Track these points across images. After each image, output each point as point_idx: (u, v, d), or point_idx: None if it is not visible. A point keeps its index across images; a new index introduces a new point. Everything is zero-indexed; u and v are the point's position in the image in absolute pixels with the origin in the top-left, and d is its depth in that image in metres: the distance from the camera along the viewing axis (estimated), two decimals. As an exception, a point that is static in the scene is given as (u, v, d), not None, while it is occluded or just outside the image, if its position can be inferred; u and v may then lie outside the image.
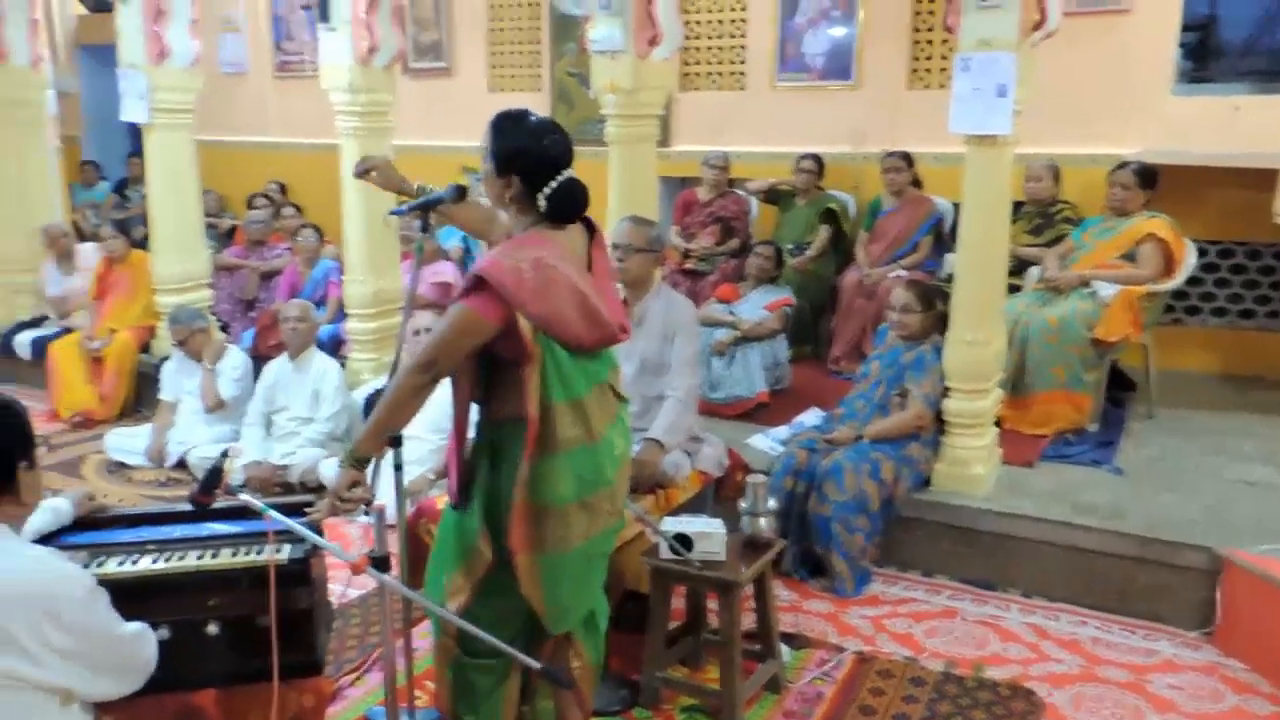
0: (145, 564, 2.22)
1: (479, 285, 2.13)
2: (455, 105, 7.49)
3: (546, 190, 2.20)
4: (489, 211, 2.54)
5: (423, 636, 3.38)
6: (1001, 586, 3.73)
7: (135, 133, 8.09)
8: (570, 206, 2.24)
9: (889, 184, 5.61)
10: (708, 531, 2.91)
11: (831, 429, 4.03)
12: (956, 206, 4.63)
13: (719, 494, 3.80)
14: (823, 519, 3.72)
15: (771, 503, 3.11)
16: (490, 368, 2.25)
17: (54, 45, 8.03)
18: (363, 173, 2.67)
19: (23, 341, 6.32)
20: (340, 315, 5.70)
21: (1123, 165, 4.74)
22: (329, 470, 4.61)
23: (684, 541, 2.88)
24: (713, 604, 3.25)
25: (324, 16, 4.92)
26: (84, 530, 2.37)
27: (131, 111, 5.60)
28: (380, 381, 5.22)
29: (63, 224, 6.61)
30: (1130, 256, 4.64)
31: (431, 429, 4.41)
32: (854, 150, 6.18)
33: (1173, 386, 4.98)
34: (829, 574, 3.75)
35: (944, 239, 5.61)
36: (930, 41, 5.97)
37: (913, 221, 5.58)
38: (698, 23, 6.58)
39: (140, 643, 1.92)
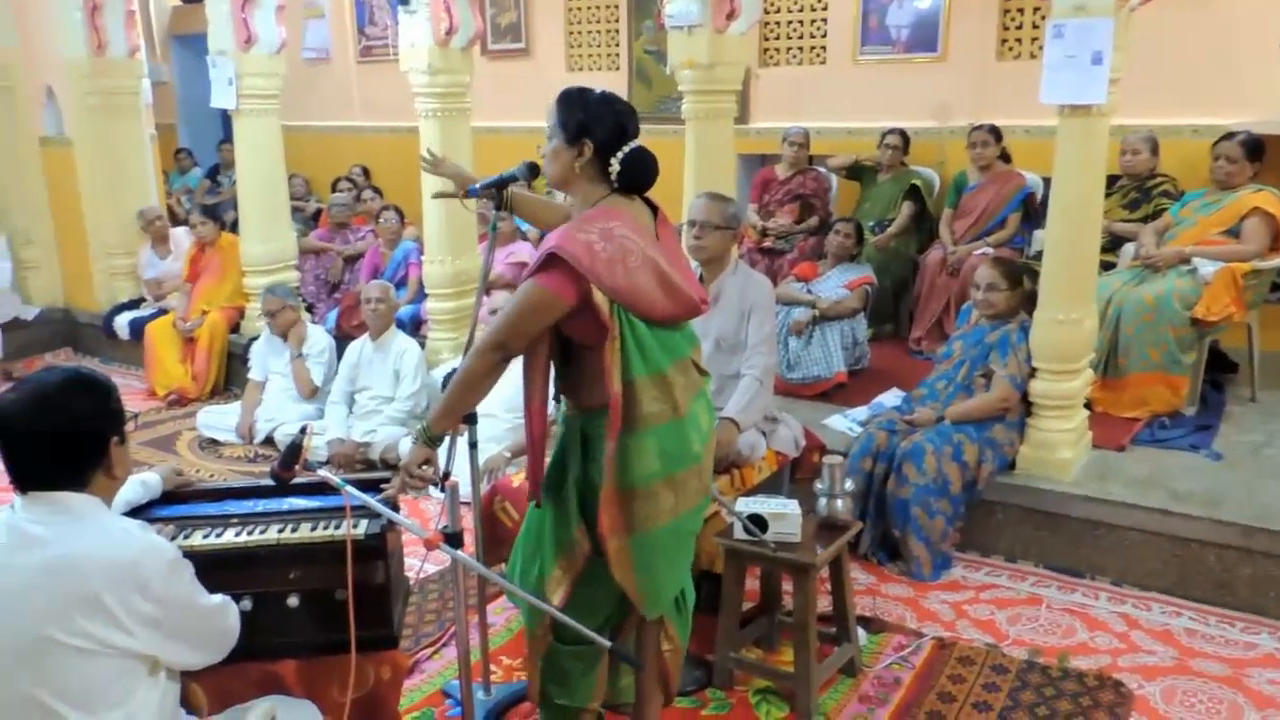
0: (229, 537, 2.28)
1: (551, 262, 2.11)
2: (532, 86, 7.48)
3: (619, 156, 2.19)
4: (549, 201, 2.55)
5: (497, 612, 3.43)
6: (1089, 574, 3.60)
7: (226, 120, 8.34)
8: (642, 173, 2.23)
9: (976, 159, 5.44)
10: (783, 513, 2.86)
11: (912, 410, 3.93)
12: (1046, 181, 4.45)
13: (795, 475, 3.74)
14: (902, 502, 3.64)
15: (849, 484, 3.05)
16: (569, 359, 2.24)
17: (149, 35, 8.28)
18: (432, 167, 2.72)
19: (122, 323, 6.58)
20: (420, 295, 5.78)
21: (1228, 136, 4.50)
22: (408, 448, 4.68)
23: (759, 522, 2.85)
24: (787, 586, 3.21)
25: (404, 0, 4.96)
26: (171, 503, 2.44)
27: (220, 98, 5.75)
28: (458, 360, 5.27)
29: (158, 208, 6.83)
30: (1234, 232, 4.41)
31: (507, 408, 4.44)
32: (939, 125, 6.01)
33: (1277, 368, 4.72)
34: (907, 558, 3.67)
35: (1033, 215, 5.43)
36: (1021, 10, 5.75)
37: (1000, 197, 5.41)
38: (778, -4, 6.46)
39: (222, 614, 1.96)
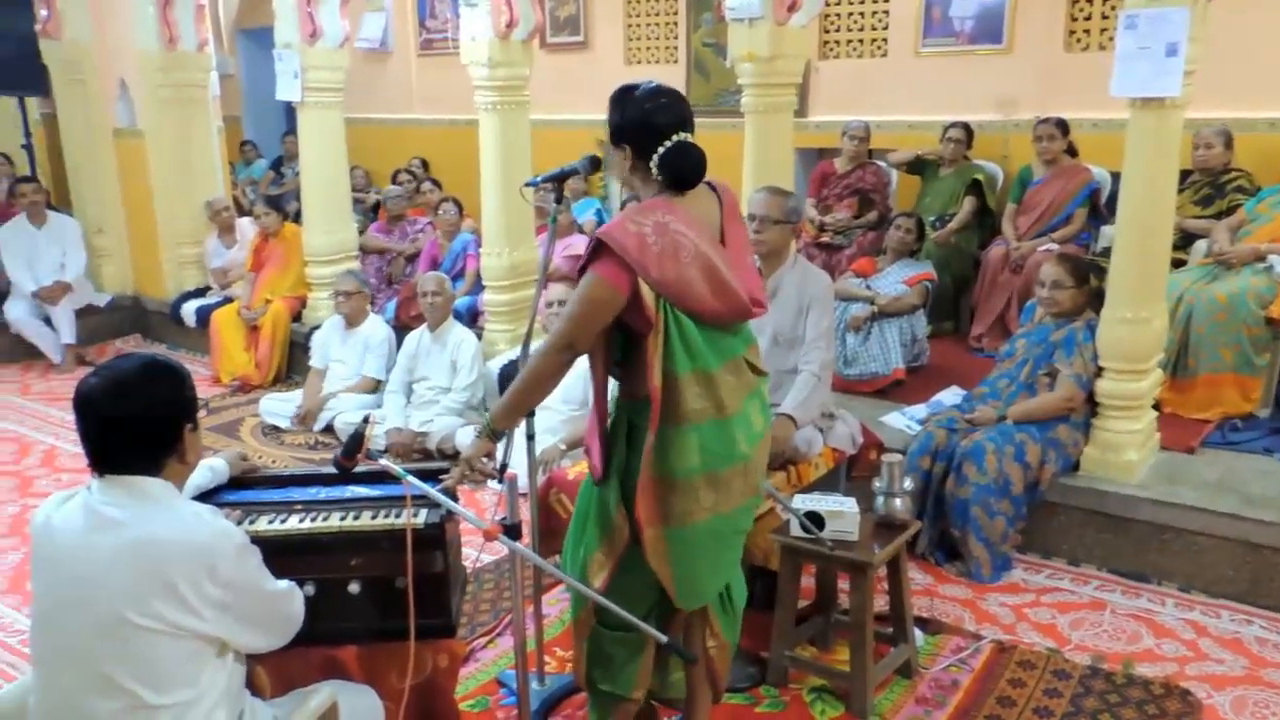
0: (293, 523, 2.32)
1: (602, 251, 2.12)
2: (591, 78, 7.51)
3: (657, 155, 2.16)
4: None
5: (552, 604, 3.45)
6: (1156, 579, 3.52)
7: (290, 112, 8.48)
8: (683, 169, 2.18)
9: (1041, 153, 5.32)
10: (840, 510, 2.84)
11: (973, 408, 3.87)
12: (1114, 176, 4.35)
13: (851, 472, 3.71)
14: (961, 501, 3.59)
15: (908, 483, 3.01)
16: (626, 345, 2.23)
17: (217, 29, 8.44)
18: None
19: (189, 310, 6.74)
20: (477, 287, 5.83)
21: (1307, 129, 4.35)
22: (465, 438, 4.74)
23: (815, 520, 2.82)
24: (843, 584, 3.18)
25: (465, -8, 5.00)
26: (237, 489, 2.49)
27: (285, 90, 5.85)
28: (515, 352, 5.31)
29: (225, 199, 6.98)
30: (1313, 228, 4.26)
31: (563, 400, 4.47)
32: (1003, 118, 5.89)
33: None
34: (966, 558, 3.62)
35: (1099, 211, 5.30)
36: (1091, 0, 5.61)
37: (1066, 192, 5.29)
38: (839, -12, 6.39)
39: (288, 600, 1.99)
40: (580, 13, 7.69)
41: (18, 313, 6.52)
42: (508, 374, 5.18)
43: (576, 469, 3.40)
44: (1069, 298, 3.77)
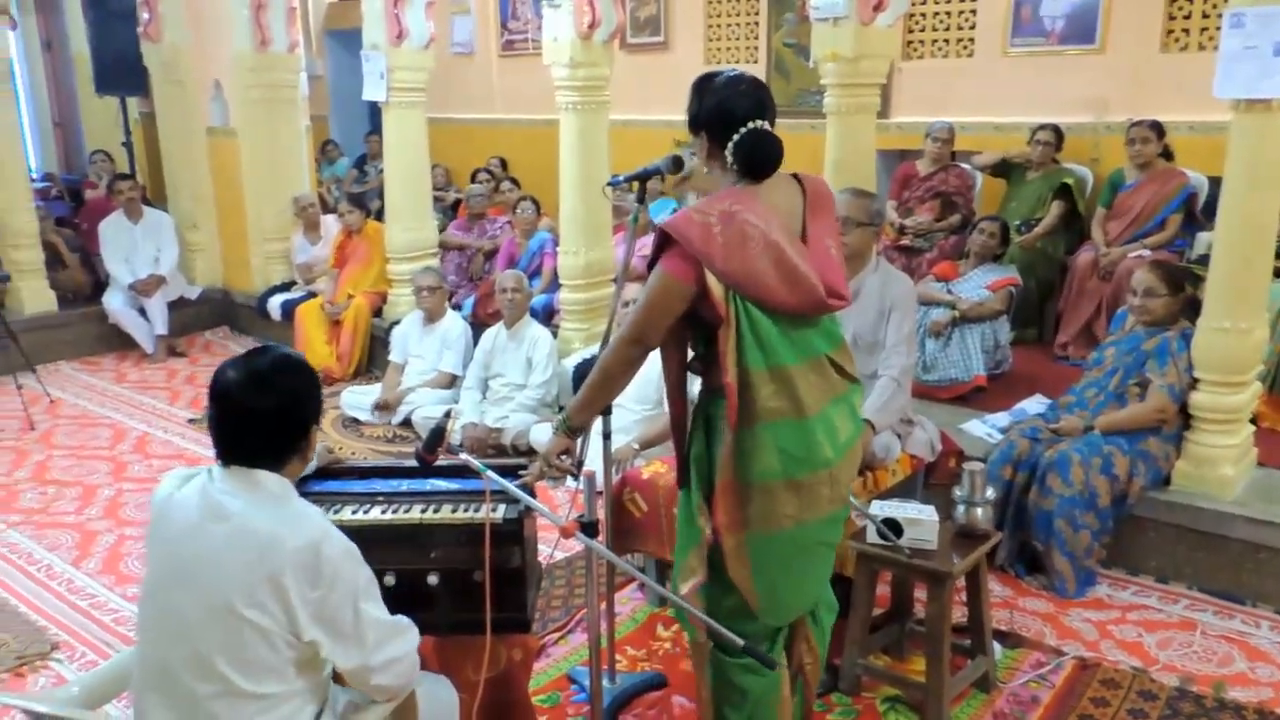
0: (375, 514, 2.36)
1: (667, 243, 2.10)
2: (670, 79, 7.49)
3: (731, 142, 2.13)
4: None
5: (624, 602, 3.46)
6: (1250, 600, 3.38)
7: (373, 112, 8.66)
8: (758, 157, 2.14)
9: (1135, 156, 5.15)
10: (919, 518, 2.79)
11: (1058, 418, 3.77)
12: (1212, 180, 4.19)
13: (929, 479, 3.64)
14: (1044, 513, 3.50)
15: (989, 492, 2.94)
16: (705, 338, 2.18)
17: (307, 31, 8.68)
18: None
19: (274, 304, 6.93)
20: (554, 285, 5.87)
21: None
22: (539, 434, 4.78)
23: (893, 527, 2.78)
24: (920, 593, 3.13)
25: (549, -6, 5.04)
26: (323, 479, 2.55)
27: (372, 91, 5.98)
28: (590, 351, 5.35)
29: (311, 196, 7.17)
30: None
31: (636, 400, 4.47)
32: (1095, 120, 5.72)
33: None
34: (1048, 572, 3.52)
35: (1195, 216, 5.11)
36: (1190, -2, 5.42)
37: (1160, 197, 5.11)
38: (924, -13, 6.28)
39: (390, 630, 1.89)
40: (661, 13, 7.70)
41: (115, 303, 6.79)
42: (582, 372, 5.20)
43: (650, 469, 3.40)
44: (1162, 306, 3.64)
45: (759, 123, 2.13)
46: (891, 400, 3.26)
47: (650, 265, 2.16)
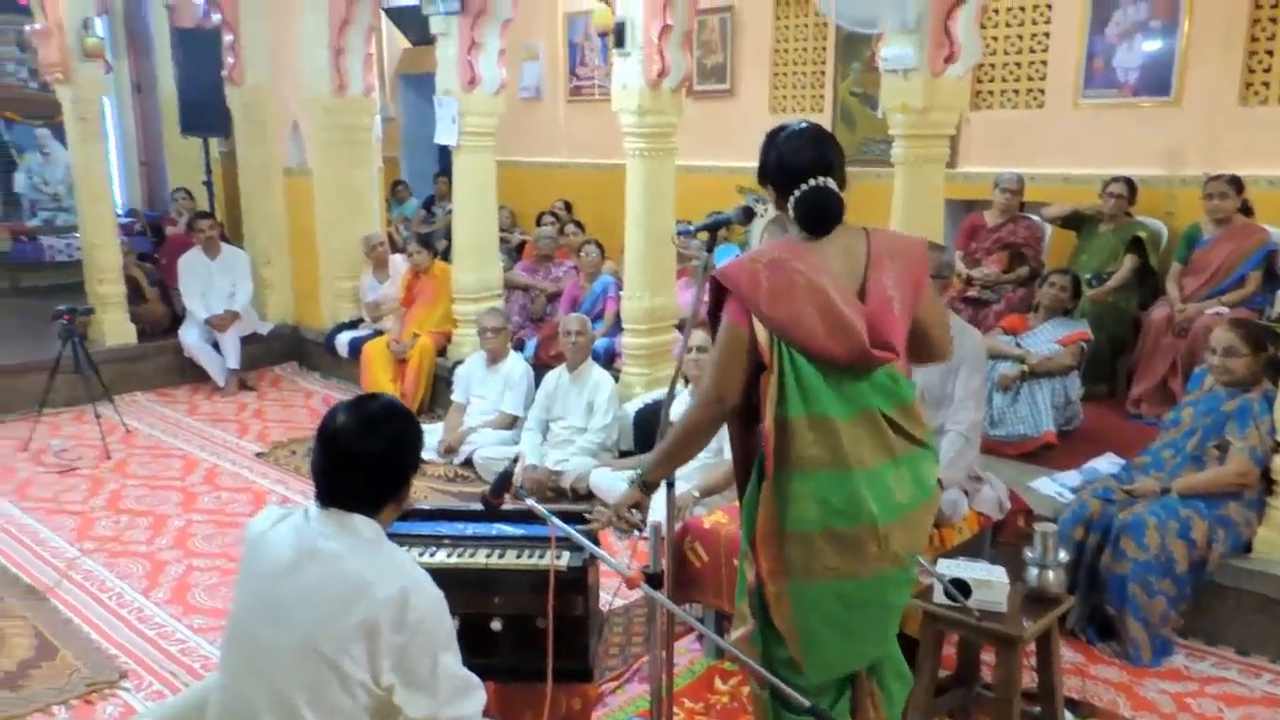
0: (440, 557, 2.39)
1: (721, 291, 2.13)
2: (736, 126, 7.58)
3: (793, 196, 2.15)
4: None
5: (681, 653, 3.42)
6: (1339, 678, 3.23)
7: (441, 154, 8.85)
8: (814, 214, 2.14)
9: (1212, 211, 5.04)
10: (988, 579, 2.72)
11: (1132, 479, 3.66)
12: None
13: (997, 538, 3.57)
14: (1118, 578, 3.39)
15: (1062, 554, 2.86)
16: (758, 384, 2.17)
17: (381, 75, 8.93)
18: None
19: (342, 341, 7.07)
20: (616, 329, 5.91)
21: None
22: (599, 478, 4.79)
23: (962, 587, 2.71)
24: (988, 657, 3.04)
25: (619, 42, 5.13)
26: (390, 519, 2.58)
27: (444, 135, 6.12)
28: (651, 395, 5.36)
29: (381, 235, 7.32)
30: None
31: (698, 446, 4.45)
32: (1170, 173, 5.62)
33: None
34: (1122, 639, 3.41)
35: (1275, 273, 4.98)
36: (1270, 52, 5.31)
37: (1239, 253, 4.99)
38: (994, 38, 6.25)
39: (463, 686, 1.88)
40: (727, 61, 7.78)
41: (190, 337, 6.98)
42: (643, 417, 5.21)
43: (712, 518, 3.38)
44: (1243, 365, 3.54)
45: (821, 179, 2.14)
46: (959, 456, 3.21)
47: (710, 313, 2.19)
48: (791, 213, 2.16)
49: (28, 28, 6.95)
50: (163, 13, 10.08)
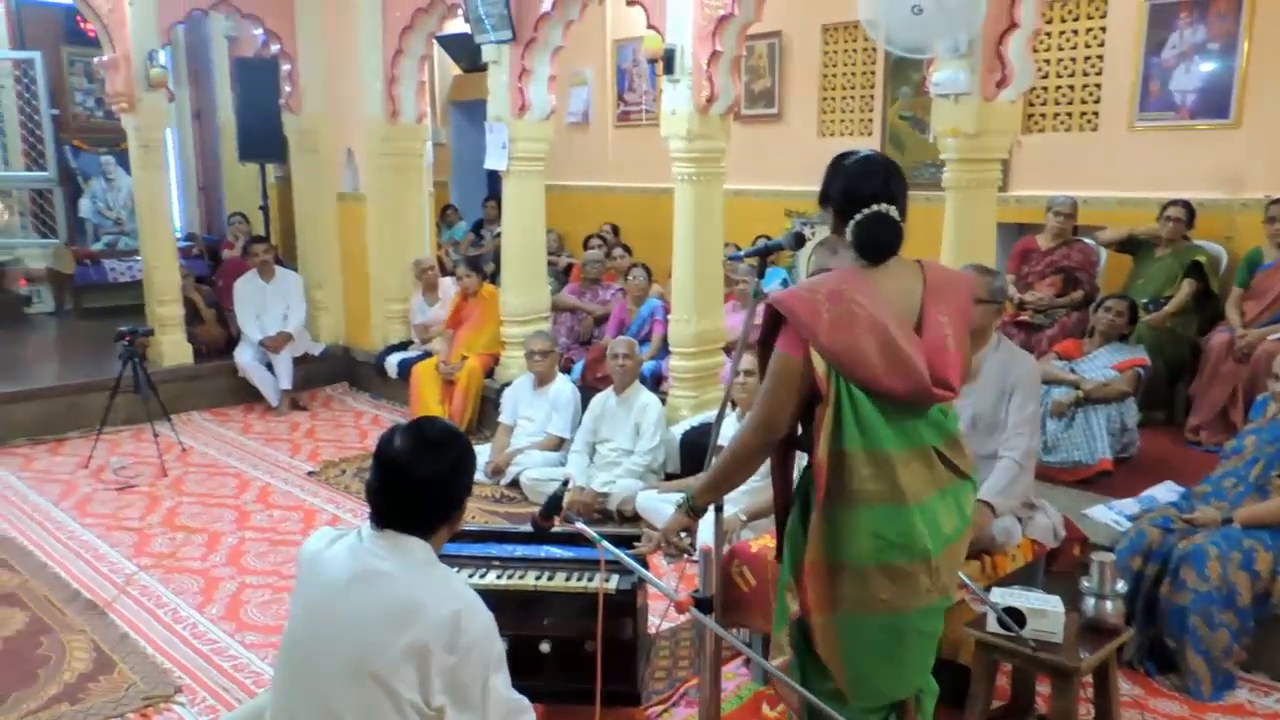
0: (490, 578, 2.41)
1: (777, 320, 2.11)
2: (783, 150, 7.58)
3: (853, 221, 2.14)
4: None
5: (729, 678, 3.39)
6: None
7: (490, 179, 8.97)
8: (874, 240, 2.13)
9: (1275, 235, 4.94)
10: (1044, 609, 2.67)
11: (1193, 508, 3.58)
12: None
13: (1051, 567, 3.49)
14: (1178, 609, 3.30)
15: (1120, 584, 2.80)
16: (807, 416, 2.17)
17: (433, 102, 9.08)
18: None
19: (392, 362, 7.17)
20: (663, 352, 5.92)
21: None
22: (646, 501, 4.78)
23: (1016, 617, 2.67)
24: (1043, 688, 2.98)
25: (669, 69, 5.17)
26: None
27: (494, 160, 6.20)
28: (698, 418, 5.35)
29: (431, 259, 7.43)
30: None
31: (746, 470, 4.43)
32: (1229, 196, 5.51)
33: None
34: (1182, 671, 3.31)
35: (1341, 298, 4.85)
36: (1332, 72, 5.21)
37: (1302, 278, 4.87)
38: (1046, 61, 6.20)
39: (515, 710, 1.90)
40: (775, 86, 7.79)
41: (245, 358, 7.12)
42: (690, 440, 5.20)
43: (759, 542, 3.36)
44: (1308, 393, 3.45)
45: (883, 206, 2.13)
46: (1013, 483, 3.16)
47: (762, 339, 2.18)
48: (850, 237, 2.16)
49: (96, 59, 7.18)
50: (223, 43, 10.40)
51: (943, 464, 2.15)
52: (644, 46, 8.08)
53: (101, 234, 9.87)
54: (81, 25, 8.88)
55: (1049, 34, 6.16)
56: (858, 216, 2.13)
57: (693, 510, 2.27)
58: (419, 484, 1.87)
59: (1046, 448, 4.46)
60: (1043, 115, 6.34)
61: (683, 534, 2.29)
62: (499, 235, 7.58)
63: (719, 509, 2.76)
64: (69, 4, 7.74)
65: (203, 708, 3.28)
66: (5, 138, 9.42)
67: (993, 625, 2.72)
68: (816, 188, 2.25)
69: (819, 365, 2.06)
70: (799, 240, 2.55)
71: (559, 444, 5.50)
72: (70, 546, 4.64)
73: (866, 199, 2.13)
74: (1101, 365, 4.68)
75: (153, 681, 3.40)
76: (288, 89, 7.68)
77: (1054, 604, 2.69)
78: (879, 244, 2.15)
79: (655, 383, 5.83)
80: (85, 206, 9.83)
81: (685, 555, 2.39)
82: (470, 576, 2.39)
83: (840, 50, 7.41)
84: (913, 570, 2.09)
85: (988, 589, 2.81)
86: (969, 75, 4.25)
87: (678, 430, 5.26)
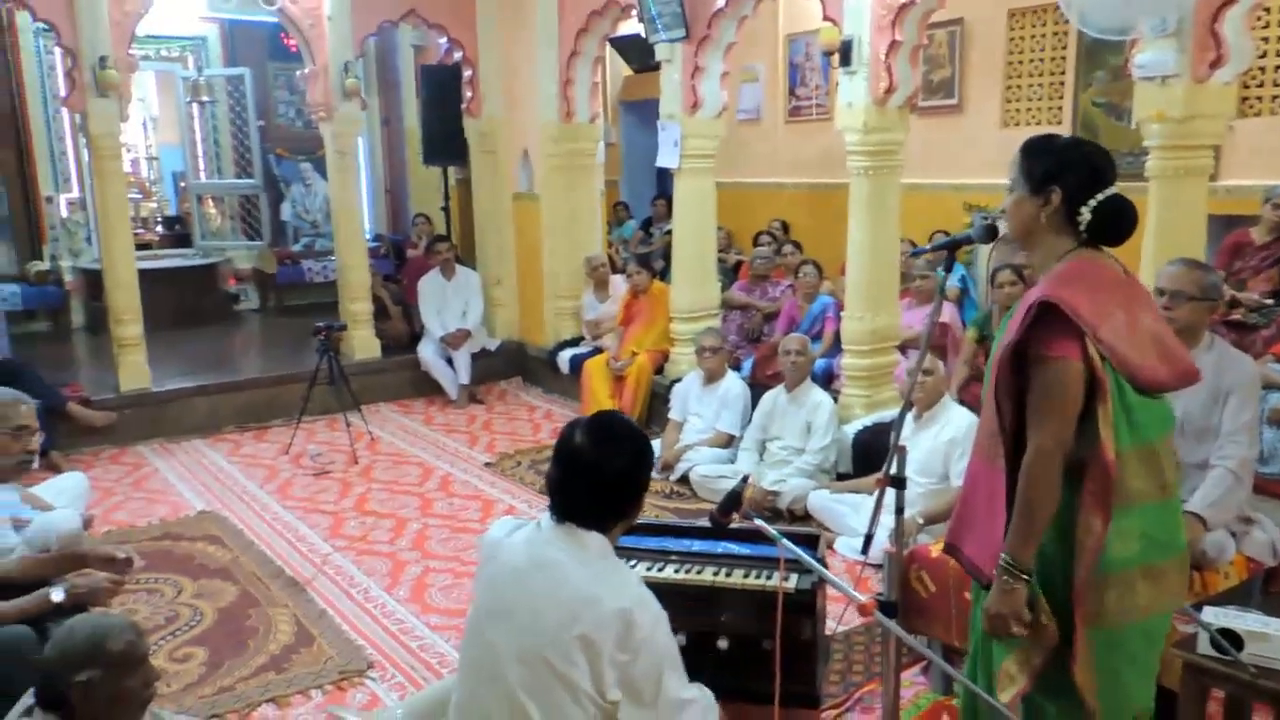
0: (668, 572, 2.42)
1: (1045, 323, 1.96)
2: (962, 142, 7.30)
3: (1091, 204, 2.02)
4: None
5: (906, 685, 3.29)
6: None
7: (660, 176, 9.03)
8: (1119, 224, 2.03)
9: None
10: (1264, 632, 2.44)
11: None
12: None
13: (1269, 587, 3.20)
14: None
15: (1356, 611, 2.53)
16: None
17: (604, 102, 9.24)
18: None
19: (564, 358, 7.34)
20: (834, 350, 5.80)
21: None
22: (817, 500, 4.71)
23: (1232, 639, 2.45)
24: (1259, 716, 2.73)
25: (845, 61, 5.06)
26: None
27: (666, 158, 6.25)
28: (871, 418, 5.22)
29: (602, 256, 7.56)
30: None
31: (920, 471, 4.28)
32: None
33: None
34: None
35: None
36: None
37: None
38: (1264, 39, 5.69)
39: (689, 707, 1.90)
40: (955, 75, 7.50)
41: (428, 353, 7.47)
42: (863, 439, 5.08)
43: (938, 547, 3.23)
44: None
45: (1115, 189, 2.05)
46: (1228, 495, 2.93)
47: (1016, 347, 2.01)
48: (1087, 216, 2.03)
49: (298, 72, 7.70)
50: (409, 52, 10.94)
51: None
52: (821, 38, 7.96)
53: (300, 236, 10.60)
54: (285, 41, 9.53)
55: (1267, 9, 5.65)
56: (1100, 197, 2.03)
57: (1016, 570, 1.99)
58: (600, 478, 1.89)
59: (1264, 458, 4.09)
60: (1259, 98, 5.83)
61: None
62: (668, 232, 7.63)
63: (900, 511, 2.68)
64: (274, 23, 8.31)
65: (392, 684, 3.45)
66: (219, 148, 10.26)
67: (1204, 647, 2.51)
68: (998, 180, 2.17)
69: (1096, 360, 1.95)
70: (991, 233, 2.43)
71: (728, 441, 5.49)
72: (274, 527, 4.99)
73: (1104, 182, 2.04)
74: (1328, 369, 4.26)
75: (347, 656, 3.61)
76: (468, 94, 7.98)
77: (1275, 626, 2.46)
78: (1122, 226, 2.06)
79: (827, 381, 5.73)
80: (286, 210, 10.60)
81: (861, 551, 2.29)
82: (649, 570, 2.41)
83: (1027, 35, 7.05)
84: (1168, 568, 2.02)
85: (1198, 607, 2.60)
86: (1177, 56, 3.95)
87: (850, 429, 5.15)
